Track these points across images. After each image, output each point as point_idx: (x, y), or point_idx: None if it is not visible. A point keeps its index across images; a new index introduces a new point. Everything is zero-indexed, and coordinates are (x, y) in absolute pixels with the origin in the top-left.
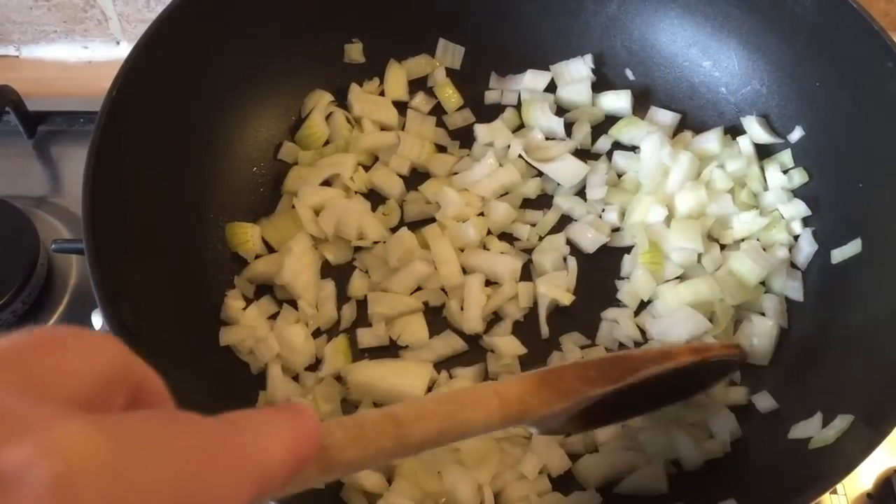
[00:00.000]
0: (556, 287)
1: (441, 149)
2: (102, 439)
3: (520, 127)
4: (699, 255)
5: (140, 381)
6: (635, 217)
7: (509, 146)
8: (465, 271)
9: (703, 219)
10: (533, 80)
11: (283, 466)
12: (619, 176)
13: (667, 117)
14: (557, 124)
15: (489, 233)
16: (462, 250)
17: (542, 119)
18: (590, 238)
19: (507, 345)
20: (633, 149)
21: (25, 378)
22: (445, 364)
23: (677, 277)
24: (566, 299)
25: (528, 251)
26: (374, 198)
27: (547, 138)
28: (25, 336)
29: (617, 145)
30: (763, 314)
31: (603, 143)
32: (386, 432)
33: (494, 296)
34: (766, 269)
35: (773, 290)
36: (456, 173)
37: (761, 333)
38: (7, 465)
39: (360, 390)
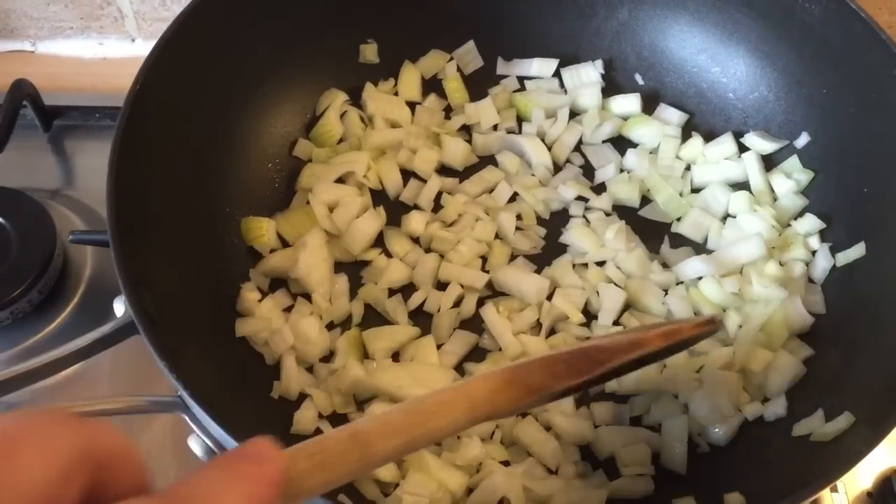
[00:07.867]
0: (570, 304)
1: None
2: None
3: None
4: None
5: (103, 457)
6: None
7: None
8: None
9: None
10: (540, 67)
11: None
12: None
13: (674, 116)
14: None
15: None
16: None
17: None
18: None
19: (535, 345)
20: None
21: None
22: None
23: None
24: (577, 319)
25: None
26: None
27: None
28: None
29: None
30: None
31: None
32: (350, 454)
33: (517, 320)
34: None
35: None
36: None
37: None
38: None
39: (377, 393)
